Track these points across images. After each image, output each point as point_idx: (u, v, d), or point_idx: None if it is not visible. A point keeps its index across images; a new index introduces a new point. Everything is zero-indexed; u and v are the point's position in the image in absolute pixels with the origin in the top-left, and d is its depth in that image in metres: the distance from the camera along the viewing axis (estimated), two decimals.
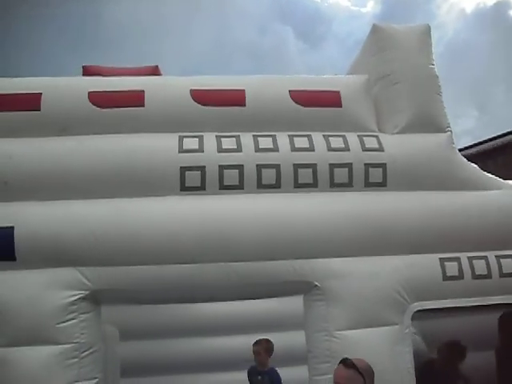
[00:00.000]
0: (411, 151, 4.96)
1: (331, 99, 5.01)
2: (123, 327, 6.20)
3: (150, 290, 4.57)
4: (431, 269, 4.72)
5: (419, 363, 4.64)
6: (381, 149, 4.89)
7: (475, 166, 5.26)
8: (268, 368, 6.35)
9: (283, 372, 6.38)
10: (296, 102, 4.94)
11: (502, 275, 4.80)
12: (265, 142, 4.78)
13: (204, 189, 4.64)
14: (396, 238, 4.75)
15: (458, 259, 4.79)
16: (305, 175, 4.73)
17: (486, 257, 4.83)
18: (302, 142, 4.81)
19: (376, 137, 4.98)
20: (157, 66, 5.81)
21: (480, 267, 4.79)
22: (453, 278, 4.73)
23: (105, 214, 4.53)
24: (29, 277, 4.42)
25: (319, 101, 4.99)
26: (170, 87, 4.98)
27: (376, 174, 4.84)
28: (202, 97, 4.88)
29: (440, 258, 4.76)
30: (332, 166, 4.76)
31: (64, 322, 4.33)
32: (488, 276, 4.78)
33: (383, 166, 4.85)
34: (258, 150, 4.74)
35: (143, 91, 4.85)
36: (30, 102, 4.75)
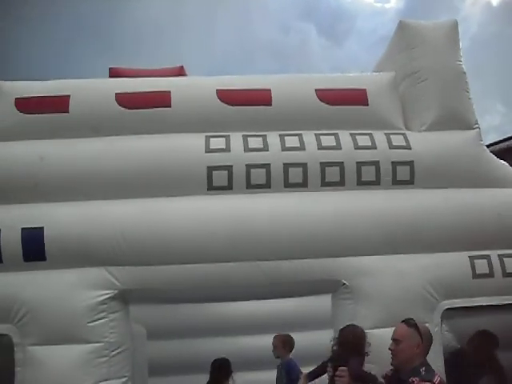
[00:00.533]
0: (439, 148, 4.91)
1: (357, 97, 4.99)
2: (151, 327, 6.23)
3: (177, 289, 4.60)
4: (461, 267, 4.68)
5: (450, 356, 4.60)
6: (408, 146, 4.86)
7: (503, 162, 5.19)
8: (286, 360, 6.37)
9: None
10: (322, 101, 4.93)
11: None
12: (291, 141, 4.78)
13: (231, 188, 4.66)
14: (425, 236, 4.71)
15: (487, 257, 4.73)
16: (332, 173, 4.72)
17: None
18: (328, 141, 4.80)
19: (403, 134, 4.94)
20: (182, 67, 5.84)
21: (511, 265, 4.72)
22: (483, 275, 4.68)
23: (133, 214, 4.57)
24: (59, 276, 4.48)
25: (345, 99, 4.98)
26: (196, 87, 5.01)
27: (403, 172, 4.81)
28: (228, 97, 4.90)
29: (469, 256, 4.72)
30: (359, 164, 4.75)
31: (94, 321, 4.38)
32: None
33: (410, 163, 4.82)
34: (284, 148, 4.74)
35: (169, 92, 4.88)
36: (59, 104, 4.82)
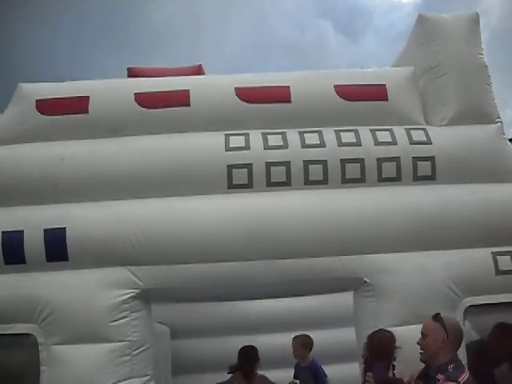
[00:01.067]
0: (460, 143, 4.85)
1: (377, 93, 4.95)
2: (174, 326, 6.27)
3: (198, 288, 4.62)
4: (483, 263, 4.62)
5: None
6: (429, 141, 4.81)
7: None
8: (309, 363, 6.37)
9: (330, 369, 6.36)
10: (341, 97, 4.90)
11: None
12: (311, 138, 4.75)
13: (251, 186, 4.65)
14: (447, 233, 4.65)
15: (510, 253, 4.66)
16: (352, 170, 4.69)
17: None
18: (348, 137, 4.77)
19: (423, 129, 4.89)
20: (200, 66, 5.84)
21: None
22: (506, 272, 4.61)
23: (154, 214, 4.59)
24: (81, 276, 4.52)
25: (365, 95, 4.94)
26: (214, 86, 5.00)
27: (424, 168, 4.76)
28: (247, 94, 4.89)
29: (492, 252, 4.65)
30: (379, 161, 4.71)
31: (116, 320, 4.41)
32: None
33: (432, 159, 4.76)
34: (304, 145, 4.71)
35: (188, 91, 4.88)
36: (78, 105, 4.84)
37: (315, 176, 4.68)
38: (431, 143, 4.80)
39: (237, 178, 4.64)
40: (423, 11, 5.29)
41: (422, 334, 3.97)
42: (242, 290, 4.70)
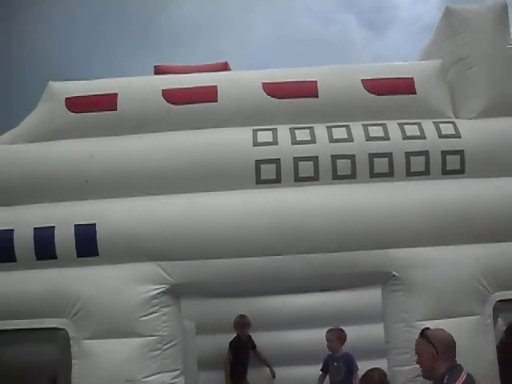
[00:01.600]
0: (489, 136, 4.80)
1: (405, 86, 4.90)
2: (199, 321, 6.30)
3: (228, 283, 4.65)
4: None
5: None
6: (458, 135, 4.75)
7: None
8: (341, 354, 6.48)
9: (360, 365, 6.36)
10: (369, 91, 4.86)
11: None
12: (339, 133, 4.73)
13: (279, 181, 4.65)
14: (476, 226, 4.61)
15: None
16: (381, 165, 4.66)
17: None
18: (376, 131, 4.74)
19: (452, 123, 4.84)
20: (226, 63, 5.86)
21: None
22: None
23: (182, 209, 4.61)
24: (111, 272, 4.56)
25: (392, 88, 4.90)
26: (241, 81, 5.01)
27: (453, 161, 4.71)
28: (274, 89, 4.88)
29: None
30: (408, 155, 4.66)
31: (146, 315, 4.44)
32: None
33: (461, 152, 4.71)
34: (332, 140, 4.69)
35: (216, 86, 4.89)
36: (107, 102, 4.88)
37: (343, 171, 4.66)
38: (460, 137, 4.74)
39: (265, 174, 4.64)
40: (449, 3, 5.24)
41: (415, 353, 4.10)
42: (271, 284, 4.71)
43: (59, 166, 4.72)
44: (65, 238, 4.56)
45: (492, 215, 4.62)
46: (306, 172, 4.64)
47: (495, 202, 4.64)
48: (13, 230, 4.60)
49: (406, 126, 4.78)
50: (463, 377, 3.82)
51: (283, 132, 4.75)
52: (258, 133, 4.75)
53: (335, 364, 6.53)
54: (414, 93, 4.90)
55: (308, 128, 4.77)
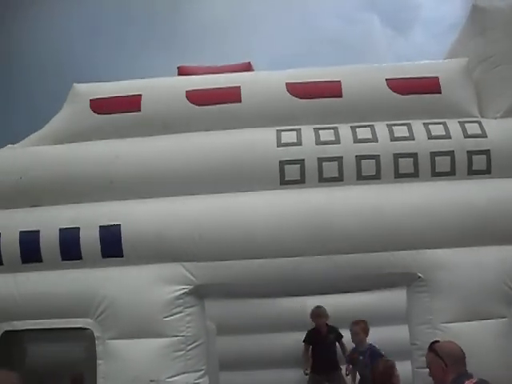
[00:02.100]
0: None
1: (430, 86, 4.86)
2: (220, 322, 6.31)
3: (252, 284, 4.64)
4: None
5: None
6: (484, 135, 4.69)
7: None
8: (366, 347, 6.46)
9: None
10: (393, 91, 4.83)
11: None
12: (363, 133, 4.71)
13: (303, 182, 4.63)
14: (503, 227, 4.54)
15: None
16: (405, 165, 4.62)
17: None
18: (401, 131, 4.70)
19: (478, 122, 4.78)
20: (249, 63, 5.85)
21: None
22: None
23: (206, 210, 4.62)
24: (136, 272, 4.59)
25: (417, 88, 4.86)
26: (265, 82, 5.01)
27: (479, 161, 4.65)
28: (298, 90, 4.87)
29: None
30: (433, 155, 4.62)
31: (171, 315, 4.46)
32: None
33: (487, 152, 4.65)
34: (356, 140, 4.67)
35: (239, 87, 4.90)
36: (131, 103, 4.92)
37: (368, 171, 4.63)
38: (486, 136, 4.68)
39: (289, 174, 4.63)
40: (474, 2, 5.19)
41: (426, 366, 4.14)
42: (295, 285, 4.70)
43: (84, 167, 4.77)
44: (90, 239, 4.60)
45: None
46: (330, 172, 4.62)
47: None
48: (39, 231, 4.66)
49: (431, 126, 4.73)
50: (472, 382, 3.81)
51: (307, 132, 4.74)
52: (282, 133, 4.74)
53: (361, 358, 6.48)
54: (440, 92, 4.86)
55: (332, 128, 4.75)
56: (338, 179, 4.63)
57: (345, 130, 4.74)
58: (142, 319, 4.47)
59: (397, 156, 4.62)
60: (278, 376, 7.39)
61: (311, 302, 7.31)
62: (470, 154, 4.65)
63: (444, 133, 4.70)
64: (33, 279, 4.66)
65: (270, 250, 4.51)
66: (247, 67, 5.75)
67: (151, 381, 4.35)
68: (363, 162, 4.62)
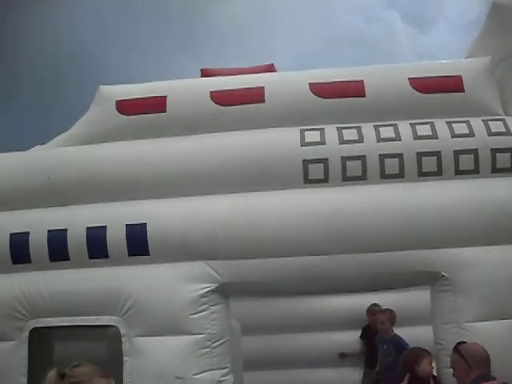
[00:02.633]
0: None
1: (453, 84, 4.87)
2: (244, 321, 6.33)
3: (276, 282, 4.67)
4: None
5: None
6: (508, 132, 4.68)
7: None
8: (391, 336, 6.41)
9: None
10: (416, 90, 4.84)
11: None
12: (386, 132, 4.72)
13: (327, 181, 4.66)
14: None
15: None
16: (429, 163, 4.63)
17: None
18: (424, 130, 4.71)
19: (502, 120, 4.77)
20: (272, 64, 5.90)
21: None
22: None
23: (231, 209, 4.67)
24: (162, 270, 4.66)
25: (440, 87, 4.86)
26: (288, 82, 5.05)
27: (504, 159, 4.64)
28: (321, 90, 4.91)
29: None
30: (457, 153, 4.62)
31: (196, 313, 4.52)
32: None
33: (511, 150, 4.63)
34: (379, 140, 4.68)
35: (263, 87, 4.95)
36: (157, 104, 4.99)
37: (391, 170, 4.64)
38: (510, 134, 4.67)
39: (313, 173, 4.66)
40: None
41: (450, 366, 4.13)
42: (320, 284, 4.71)
43: (111, 167, 4.85)
44: (116, 238, 4.68)
45: None
46: (353, 171, 4.65)
47: None
48: (66, 229, 4.74)
49: (454, 125, 4.73)
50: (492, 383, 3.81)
51: (331, 132, 4.76)
52: (306, 133, 4.77)
53: (385, 346, 6.44)
54: (463, 91, 4.86)
55: (355, 127, 4.77)
56: (362, 178, 4.65)
57: (368, 129, 4.76)
58: (168, 317, 4.52)
59: (420, 154, 4.63)
60: (302, 376, 7.39)
61: (336, 301, 7.33)
62: (494, 151, 4.64)
63: (467, 131, 4.69)
64: (60, 277, 4.74)
65: (293, 248, 4.54)
66: (270, 68, 5.81)
67: (177, 377, 4.40)
68: (386, 160, 4.63)
